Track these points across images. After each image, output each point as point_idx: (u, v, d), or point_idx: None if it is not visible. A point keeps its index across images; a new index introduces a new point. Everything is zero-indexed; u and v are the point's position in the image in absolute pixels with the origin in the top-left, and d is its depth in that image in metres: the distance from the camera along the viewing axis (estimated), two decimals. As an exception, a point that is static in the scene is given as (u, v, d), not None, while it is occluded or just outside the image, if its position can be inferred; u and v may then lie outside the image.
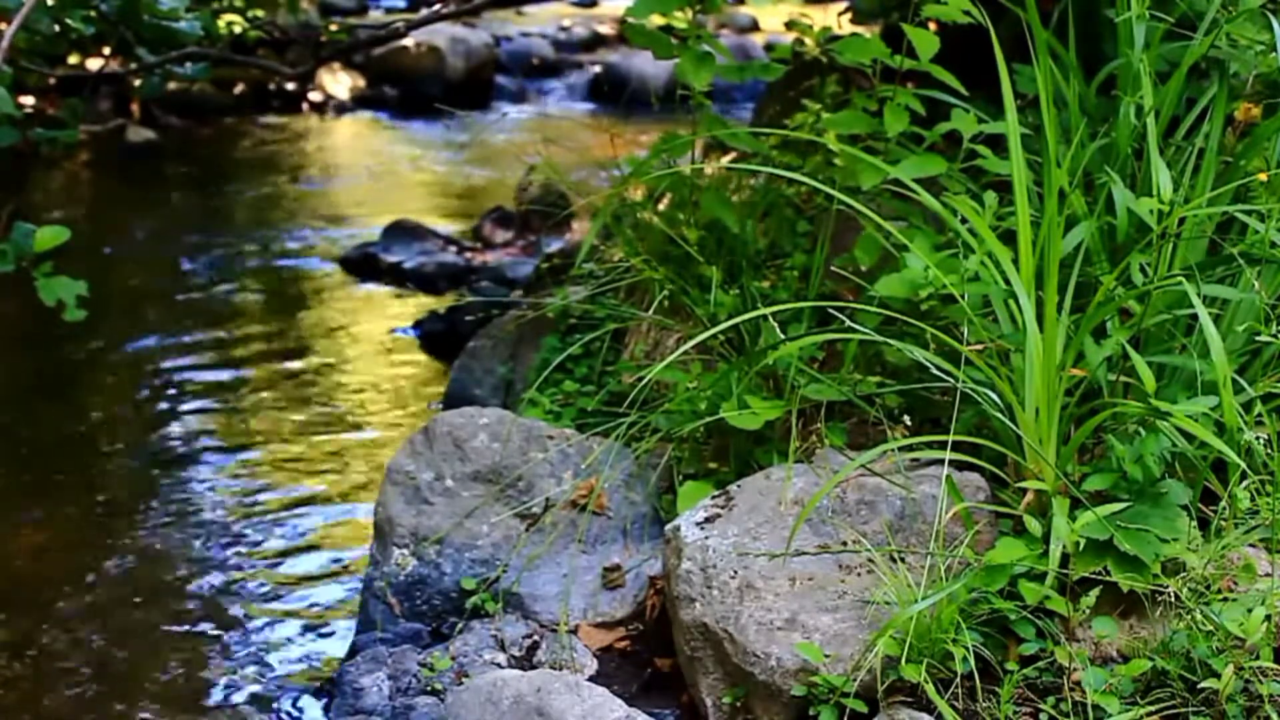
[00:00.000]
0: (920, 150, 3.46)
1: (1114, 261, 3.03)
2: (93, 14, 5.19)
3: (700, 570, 2.83)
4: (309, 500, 4.46)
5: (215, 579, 3.98)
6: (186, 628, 3.73)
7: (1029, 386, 2.77)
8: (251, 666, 3.54)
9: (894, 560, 2.77)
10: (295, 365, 5.61)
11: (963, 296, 2.98)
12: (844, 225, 3.62)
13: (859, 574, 2.78)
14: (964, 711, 2.53)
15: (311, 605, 3.84)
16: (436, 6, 7.33)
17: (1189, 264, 2.91)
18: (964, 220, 3.07)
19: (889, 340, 3.02)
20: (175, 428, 4.99)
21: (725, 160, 4.42)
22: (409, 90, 10.52)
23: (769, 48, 5.24)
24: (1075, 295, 2.95)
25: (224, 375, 5.47)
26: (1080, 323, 2.83)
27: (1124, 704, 2.48)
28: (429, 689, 3.05)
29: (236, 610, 3.81)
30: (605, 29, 12.52)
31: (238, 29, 8.70)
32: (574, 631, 3.15)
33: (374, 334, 5.95)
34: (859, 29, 4.56)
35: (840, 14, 4.97)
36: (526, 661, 3.09)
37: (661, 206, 4.03)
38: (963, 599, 2.59)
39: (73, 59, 8.11)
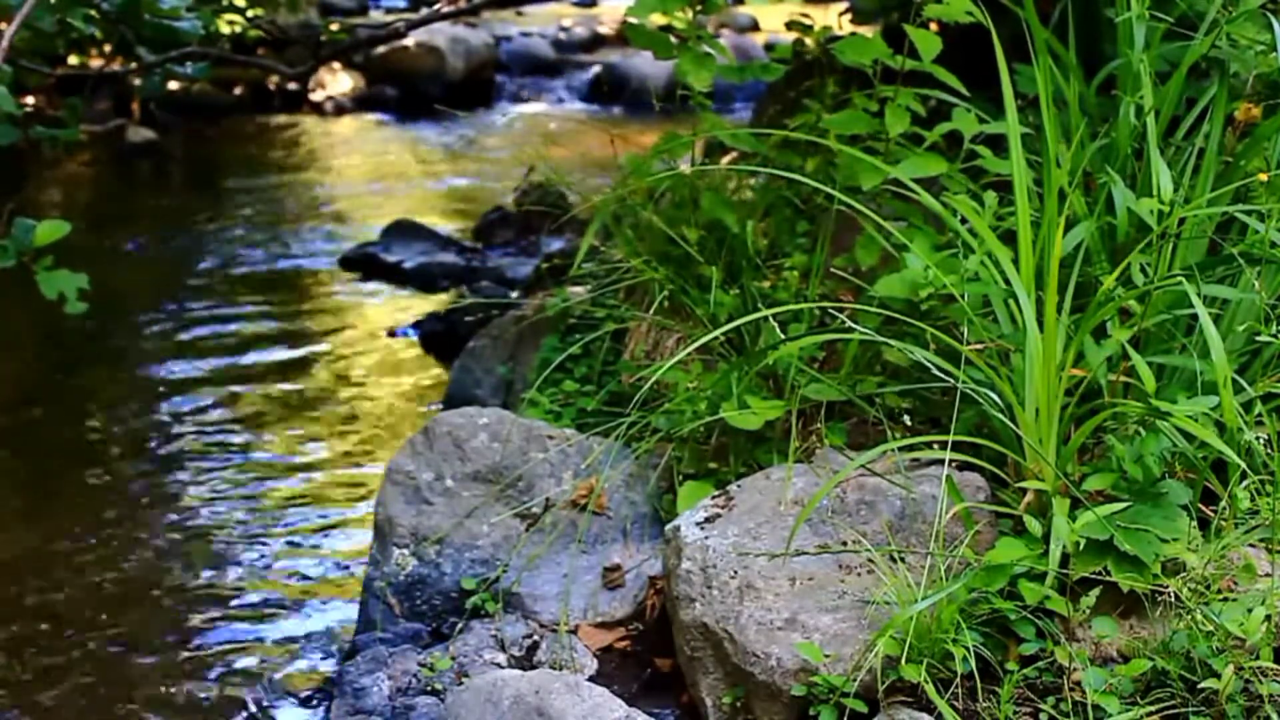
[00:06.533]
0: (920, 150, 3.46)
1: (1114, 261, 3.03)
2: (93, 13, 5.19)
3: (700, 570, 2.83)
4: (309, 500, 4.46)
5: (214, 579, 3.98)
6: (186, 628, 3.73)
7: (1029, 386, 2.77)
8: (251, 666, 3.54)
9: (894, 560, 2.77)
10: (295, 365, 5.61)
11: (963, 296, 2.98)
12: (844, 225, 3.62)
13: (859, 574, 2.78)
14: (964, 711, 2.53)
15: (311, 605, 3.84)
16: (437, 6, 7.33)
17: (1189, 264, 2.91)
18: (964, 220, 3.07)
19: (889, 340, 3.02)
20: (175, 427, 4.99)
21: (725, 161, 4.42)
22: (409, 90, 10.53)
23: (769, 48, 5.25)
24: (1075, 295, 2.95)
25: (222, 375, 5.48)
26: (1080, 323, 2.83)
27: (1124, 704, 2.48)
28: (429, 689, 3.05)
29: (236, 610, 3.81)
30: (605, 29, 12.53)
31: (238, 28, 8.70)
32: (574, 631, 3.15)
33: (374, 334, 5.95)
34: (859, 29, 4.56)
35: (840, 14, 4.97)
36: (526, 661, 3.09)
37: (661, 206, 4.03)
38: (963, 599, 2.58)
39: (73, 59, 8.11)
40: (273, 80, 10.23)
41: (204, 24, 5.51)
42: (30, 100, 8.19)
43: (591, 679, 2.97)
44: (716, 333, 3.08)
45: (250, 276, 6.74)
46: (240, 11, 7.71)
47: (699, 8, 3.85)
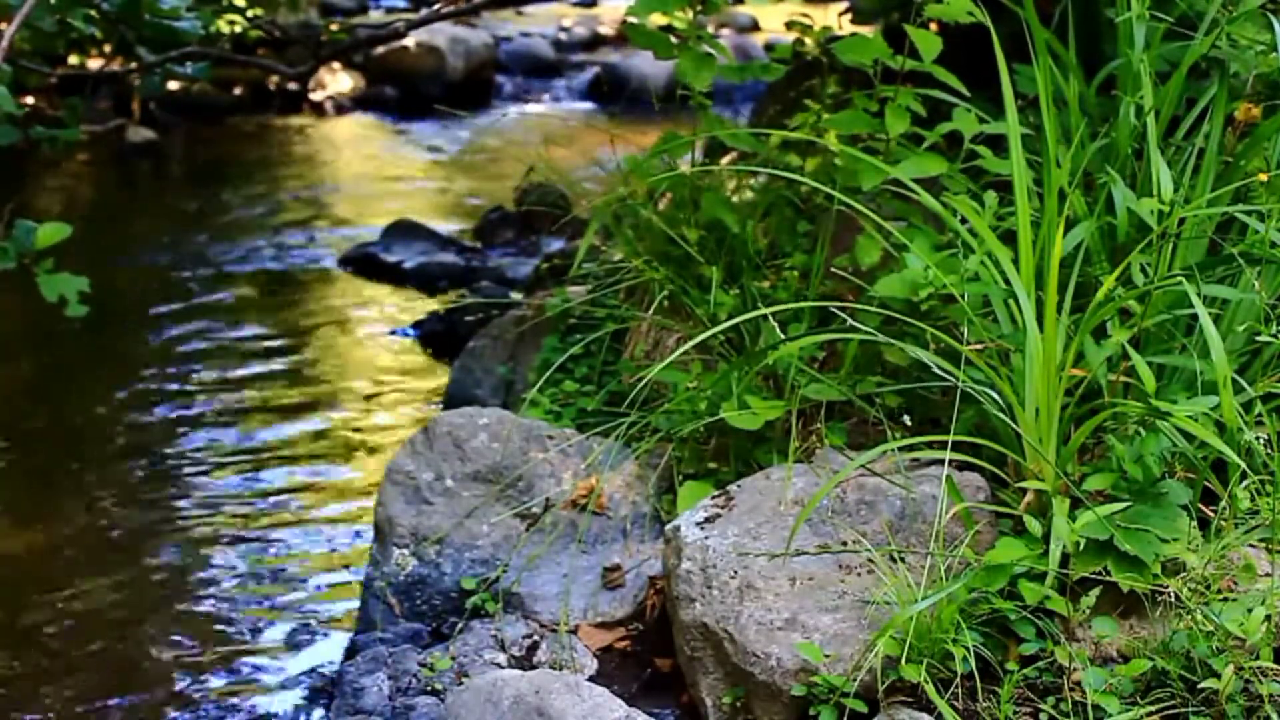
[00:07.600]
0: (920, 150, 3.46)
1: (1114, 261, 3.03)
2: (93, 13, 5.19)
3: (700, 570, 2.83)
4: (308, 500, 4.46)
5: (215, 579, 3.98)
6: (186, 627, 3.73)
7: (1029, 386, 2.77)
8: (252, 666, 3.54)
9: (894, 560, 2.77)
10: (295, 365, 5.61)
11: (963, 296, 2.98)
12: (844, 225, 3.62)
13: (859, 574, 2.78)
14: (964, 711, 2.53)
15: (311, 605, 3.83)
16: (436, 6, 7.34)
17: (1189, 264, 2.91)
18: (964, 220, 3.07)
19: (889, 340, 3.02)
20: (175, 427, 4.99)
21: (725, 161, 4.42)
22: (409, 90, 10.52)
23: (769, 48, 5.24)
24: (1075, 295, 2.95)
25: (223, 375, 5.47)
26: (1080, 323, 2.83)
27: (1124, 704, 2.48)
28: (429, 689, 3.05)
29: (236, 610, 3.81)
30: (605, 29, 12.53)
31: (238, 28, 8.70)
32: (574, 631, 3.15)
33: (374, 334, 5.95)
34: (859, 29, 4.56)
35: (840, 14, 4.97)
36: (526, 661, 3.09)
37: (661, 206, 4.03)
38: (963, 599, 2.59)
39: (73, 59, 8.11)
40: (273, 80, 10.22)
41: (204, 24, 5.50)
42: (30, 100, 8.19)
43: (591, 679, 2.97)
44: (715, 330, 3.08)
45: (250, 276, 6.73)
46: (240, 11, 7.72)
47: (699, 8, 3.85)
